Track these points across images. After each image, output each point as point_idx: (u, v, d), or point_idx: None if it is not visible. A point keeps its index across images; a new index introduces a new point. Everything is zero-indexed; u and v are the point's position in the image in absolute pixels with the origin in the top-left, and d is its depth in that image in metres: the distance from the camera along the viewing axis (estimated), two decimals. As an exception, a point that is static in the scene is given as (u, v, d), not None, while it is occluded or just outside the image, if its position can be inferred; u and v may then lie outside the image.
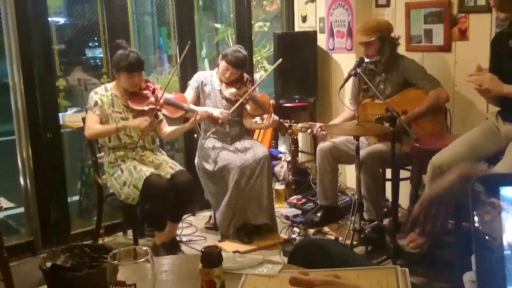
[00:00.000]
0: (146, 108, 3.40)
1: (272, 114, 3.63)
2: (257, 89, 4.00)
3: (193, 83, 3.81)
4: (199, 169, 3.83)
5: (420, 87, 3.62)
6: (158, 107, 3.39)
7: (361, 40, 3.70)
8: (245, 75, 3.87)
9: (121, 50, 3.35)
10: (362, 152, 3.42)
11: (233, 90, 3.74)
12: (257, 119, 3.81)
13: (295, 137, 4.22)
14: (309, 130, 3.63)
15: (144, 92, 3.45)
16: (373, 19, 3.96)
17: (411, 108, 3.55)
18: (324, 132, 3.58)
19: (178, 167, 3.48)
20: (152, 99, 3.43)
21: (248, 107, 3.73)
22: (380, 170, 3.77)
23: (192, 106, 3.64)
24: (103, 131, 3.37)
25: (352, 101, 3.91)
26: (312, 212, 4.03)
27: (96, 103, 3.36)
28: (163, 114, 3.50)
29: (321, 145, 3.83)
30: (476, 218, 0.84)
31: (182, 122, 3.70)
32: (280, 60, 3.70)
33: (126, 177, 3.30)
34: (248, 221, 3.68)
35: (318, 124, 3.62)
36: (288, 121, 3.60)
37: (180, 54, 4.30)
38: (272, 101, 4.52)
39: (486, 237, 0.83)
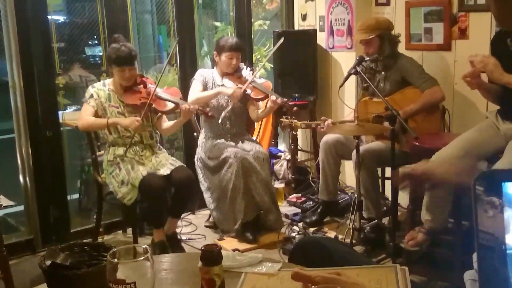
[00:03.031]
0: (138, 102, 3.42)
1: (274, 95, 3.64)
2: (258, 77, 4.01)
3: (198, 77, 3.80)
4: (199, 166, 3.83)
5: (416, 85, 3.62)
6: (150, 102, 3.39)
7: (360, 38, 3.70)
8: (243, 64, 3.89)
9: (115, 44, 3.37)
10: (360, 150, 3.42)
11: (235, 81, 3.75)
12: (261, 105, 3.82)
13: (295, 133, 4.22)
14: (313, 124, 3.66)
15: (138, 87, 3.48)
16: (372, 17, 3.96)
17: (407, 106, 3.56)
18: (323, 129, 3.59)
19: (178, 163, 3.49)
20: (143, 94, 3.46)
21: (250, 92, 3.73)
22: (379, 169, 3.77)
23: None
24: (94, 124, 3.40)
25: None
26: (312, 211, 4.03)
27: (91, 96, 3.39)
28: (154, 108, 3.49)
29: (326, 139, 3.82)
30: (478, 215, 0.84)
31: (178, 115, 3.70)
32: (282, 40, 3.74)
33: (124, 176, 3.31)
34: (256, 214, 3.67)
35: (323, 123, 3.62)
36: (289, 117, 3.61)
37: (180, 52, 4.31)
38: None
39: (488, 235, 0.83)
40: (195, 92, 3.71)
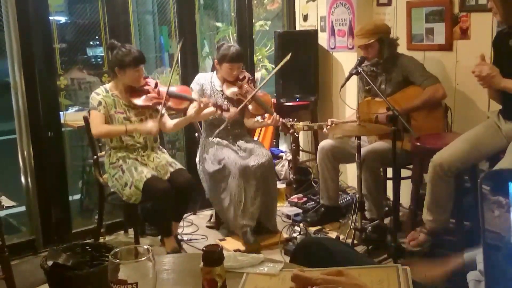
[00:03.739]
0: (150, 103, 3.40)
1: (274, 114, 3.62)
2: (259, 80, 4.00)
3: (194, 86, 3.78)
4: (200, 169, 3.82)
5: (417, 84, 3.63)
6: (164, 101, 3.38)
7: (360, 43, 3.70)
8: (246, 74, 3.86)
9: (122, 48, 3.35)
10: (362, 151, 3.42)
11: (234, 89, 3.73)
12: (258, 118, 3.81)
13: (297, 135, 4.22)
14: (315, 126, 3.66)
15: (145, 88, 3.45)
16: (370, 22, 3.96)
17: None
18: (326, 131, 3.60)
19: (178, 165, 3.48)
20: (154, 94, 3.44)
21: (250, 106, 3.73)
22: (381, 169, 3.77)
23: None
24: (111, 131, 3.35)
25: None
26: (313, 211, 4.03)
27: (100, 103, 3.34)
28: (169, 107, 3.48)
29: (322, 145, 3.82)
30: (484, 215, 0.84)
31: (183, 115, 3.69)
32: (289, 56, 3.66)
33: (127, 178, 3.29)
34: (259, 220, 3.66)
35: (327, 122, 3.63)
36: (291, 119, 3.60)
37: (181, 53, 4.30)
38: (273, 100, 4.51)
39: (495, 234, 0.82)
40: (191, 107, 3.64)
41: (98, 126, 3.32)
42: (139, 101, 3.40)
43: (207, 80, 3.80)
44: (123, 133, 3.33)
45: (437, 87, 3.56)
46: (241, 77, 3.79)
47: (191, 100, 3.50)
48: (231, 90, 3.73)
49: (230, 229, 3.77)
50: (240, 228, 3.59)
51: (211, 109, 3.49)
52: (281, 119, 3.56)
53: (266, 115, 3.75)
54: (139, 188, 3.24)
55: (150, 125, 3.32)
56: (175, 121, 3.58)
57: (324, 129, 3.57)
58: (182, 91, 3.58)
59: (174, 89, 3.56)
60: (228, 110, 3.57)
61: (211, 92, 3.77)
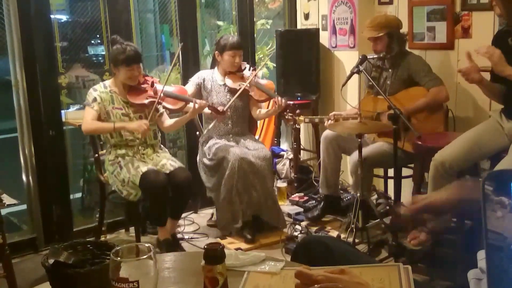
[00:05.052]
0: (146, 101, 3.41)
1: (276, 96, 3.63)
2: (261, 77, 4.00)
3: (194, 79, 3.80)
4: (200, 165, 3.82)
5: (421, 84, 3.62)
6: (158, 100, 3.39)
7: (369, 36, 3.69)
8: (247, 64, 3.88)
9: (118, 45, 3.36)
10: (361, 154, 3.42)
11: (237, 80, 3.74)
12: (263, 106, 3.83)
13: (298, 126, 4.21)
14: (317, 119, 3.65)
15: (143, 86, 3.46)
16: (382, 15, 3.95)
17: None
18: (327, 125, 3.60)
19: (177, 164, 3.48)
20: (151, 92, 3.44)
21: (252, 93, 3.73)
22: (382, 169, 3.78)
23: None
24: (99, 128, 3.38)
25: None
26: (314, 207, 4.03)
27: (95, 99, 3.36)
28: (164, 107, 3.49)
29: (326, 133, 3.83)
30: (487, 215, 0.84)
31: (182, 114, 3.70)
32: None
33: (125, 174, 3.31)
34: (255, 213, 3.67)
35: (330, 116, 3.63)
36: (292, 114, 3.62)
37: (182, 51, 4.30)
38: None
39: (497, 235, 0.82)
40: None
41: (87, 123, 3.34)
42: (135, 99, 3.41)
43: (209, 76, 3.81)
44: (111, 130, 3.35)
45: (441, 89, 3.56)
46: (242, 68, 3.82)
47: (186, 101, 3.50)
48: (233, 81, 3.74)
49: (222, 229, 3.76)
50: (239, 223, 3.62)
51: (206, 110, 3.52)
52: (283, 99, 3.58)
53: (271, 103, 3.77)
54: (136, 183, 3.25)
55: (138, 123, 3.31)
56: (172, 120, 3.59)
57: (326, 123, 3.58)
58: (177, 91, 3.58)
59: (170, 89, 3.57)
60: (223, 113, 3.58)
61: (212, 87, 3.77)
